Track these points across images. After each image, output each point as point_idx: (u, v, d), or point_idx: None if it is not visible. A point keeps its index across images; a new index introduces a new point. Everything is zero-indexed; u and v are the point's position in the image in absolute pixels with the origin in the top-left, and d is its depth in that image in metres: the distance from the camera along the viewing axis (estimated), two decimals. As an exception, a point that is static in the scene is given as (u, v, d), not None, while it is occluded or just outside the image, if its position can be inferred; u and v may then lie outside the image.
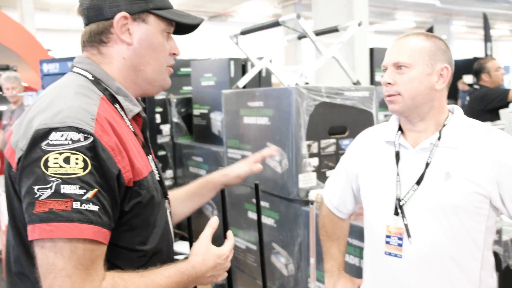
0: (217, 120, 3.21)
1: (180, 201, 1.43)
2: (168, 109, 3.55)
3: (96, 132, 0.91)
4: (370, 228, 1.43)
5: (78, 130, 0.89)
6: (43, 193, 0.84)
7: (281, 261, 2.42)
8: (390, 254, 1.34)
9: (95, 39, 1.06)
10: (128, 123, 1.06)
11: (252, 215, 2.65)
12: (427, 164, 1.31)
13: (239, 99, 2.65)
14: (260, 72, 3.19)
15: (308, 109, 2.22)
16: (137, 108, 1.09)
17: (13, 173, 0.93)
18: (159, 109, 3.49)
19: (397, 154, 1.37)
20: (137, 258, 1.02)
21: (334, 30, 2.62)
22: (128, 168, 0.96)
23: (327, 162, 2.30)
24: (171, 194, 1.45)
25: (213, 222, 1.12)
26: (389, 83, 1.34)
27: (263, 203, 2.54)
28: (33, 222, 0.85)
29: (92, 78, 1.05)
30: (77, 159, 0.87)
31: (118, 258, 0.98)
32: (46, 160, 0.86)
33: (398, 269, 1.32)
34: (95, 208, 0.87)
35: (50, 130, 0.88)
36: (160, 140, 3.51)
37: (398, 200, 1.33)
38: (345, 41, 2.45)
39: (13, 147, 0.94)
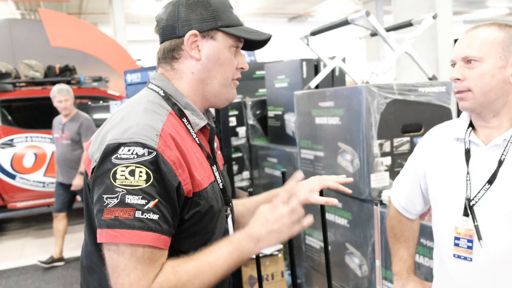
0: (291, 121, 3.23)
1: (251, 211, 1.47)
2: (243, 111, 3.64)
3: (159, 147, 1.00)
4: (438, 229, 1.38)
5: (143, 145, 0.98)
6: (110, 202, 0.95)
7: (355, 261, 2.39)
8: (459, 257, 1.28)
9: (168, 56, 1.16)
10: (195, 135, 1.14)
11: (326, 215, 2.63)
12: (500, 162, 1.23)
13: (310, 99, 2.66)
14: (333, 72, 3.17)
15: (379, 107, 2.17)
16: (203, 122, 1.16)
17: (89, 181, 1.04)
18: (234, 112, 3.58)
19: (467, 152, 1.31)
20: None
21: (408, 24, 2.53)
22: (188, 181, 1.04)
23: (401, 161, 2.23)
24: (243, 202, 1.51)
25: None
26: (458, 79, 1.28)
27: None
28: (101, 227, 0.96)
29: (163, 94, 1.14)
30: (141, 172, 0.96)
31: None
32: (115, 172, 0.96)
33: (467, 273, 1.26)
34: (155, 217, 0.96)
35: (120, 145, 0.99)
36: (236, 142, 3.60)
37: (468, 200, 1.26)
38: (418, 35, 2.35)
39: (90, 157, 1.06)
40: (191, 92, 1.16)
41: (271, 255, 2.95)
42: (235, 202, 1.54)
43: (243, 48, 1.22)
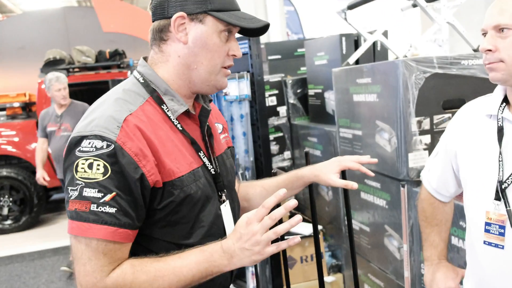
0: (331, 99, 3.13)
1: (270, 193, 1.42)
2: (284, 90, 3.58)
3: (119, 140, 0.98)
4: (468, 213, 1.28)
5: (102, 138, 0.97)
6: (72, 194, 0.97)
7: (393, 244, 2.30)
8: (490, 244, 1.18)
9: (157, 37, 1.12)
10: (176, 122, 1.11)
11: (365, 196, 2.55)
12: None
13: (348, 76, 2.56)
14: (374, 47, 3.03)
15: (418, 83, 2.05)
16: (182, 108, 1.11)
17: None
18: (274, 91, 3.53)
19: (500, 130, 1.20)
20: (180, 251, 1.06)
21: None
22: (153, 171, 1.01)
23: (442, 139, 2.10)
24: (262, 183, 1.47)
25: (291, 204, 0.99)
26: (489, 50, 1.16)
27: (374, 183, 2.44)
28: (68, 218, 0.99)
29: (142, 81, 1.12)
30: (98, 165, 0.96)
31: (162, 250, 1.05)
32: (77, 165, 0.97)
33: (499, 261, 1.17)
34: (112, 210, 0.96)
35: (82, 138, 0.99)
36: (277, 121, 3.56)
37: (500, 183, 1.16)
38: (460, 3, 2.18)
39: None
40: (177, 76, 1.12)
41: (311, 236, 2.91)
42: (254, 183, 1.50)
43: (243, 34, 1.16)
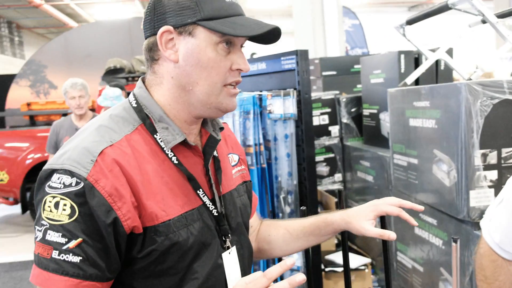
0: (386, 121, 2.89)
1: (294, 237, 1.27)
2: (337, 109, 3.37)
3: (91, 177, 0.84)
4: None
5: (72, 174, 0.84)
6: (38, 235, 0.84)
7: (449, 291, 2.02)
8: None
9: (148, 57, 0.98)
10: (171, 155, 0.95)
11: (419, 232, 2.29)
12: None
13: (404, 98, 2.32)
14: (437, 66, 2.75)
15: (483, 110, 1.78)
16: (177, 139, 0.95)
17: None
18: (326, 110, 3.33)
19: None
20: None
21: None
22: (130, 215, 0.86)
23: None
24: (286, 224, 1.29)
25: (288, 264, 0.85)
26: None
27: (430, 219, 2.17)
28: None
29: (135, 105, 0.98)
30: (65, 205, 0.83)
31: None
32: (44, 202, 0.84)
33: None
34: (76, 259, 0.82)
35: (52, 172, 0.86)
36: (328, 142, 3.35)
37: None
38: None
39: None
40: (173, 100, 0.96)
41: (357, 269, 2.67)
42: (277, 223, 1.32)
43: (253, 41, 0.98)
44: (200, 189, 0.98)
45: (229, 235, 1.03)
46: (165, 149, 0.94)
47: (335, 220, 1.22)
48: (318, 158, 3.32)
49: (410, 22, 2.38)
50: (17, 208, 6.57)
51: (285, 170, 2.57)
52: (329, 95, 3.35)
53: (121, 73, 6.13)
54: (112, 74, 6.12)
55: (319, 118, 3.34)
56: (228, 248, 1.02)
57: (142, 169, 0.90)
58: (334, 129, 3.37)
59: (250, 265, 1.14)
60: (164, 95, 0.97)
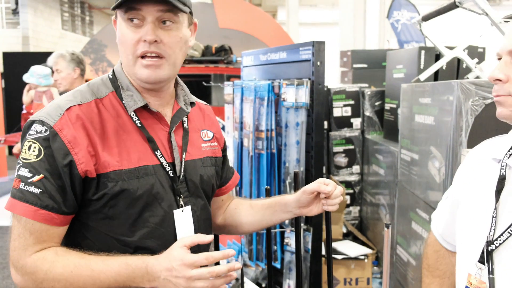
0: (403, 117, 2.89)
1: (254, 211, 1.39)
2: (360, 101, 3.39)
3: (56, 126, 1.03)
4: (456, 273, 1.09)
5: (43, 123, 1.03)
6: (16, 171, 1.04)
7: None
8: (467, 312, 0.99)
9: None
10: (135, 118, 1.11)
11: (415, 227, 2.31)
12: None
13: (413, 94, 2.34)
14: (459, 64, 2.72)
15: (475, 109, 1.79)
16: (139, 103, 1.11)
17: None
18: (350, 102, 3.37)
19: (502, 180, 0.99)
20: (120, 247, 1.06)
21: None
22: (84, 160, 1.03)
23: (498, 177, 1.81)
24: (253, 203, 1.41)
25: (205, 238, 1.03)
26: (499, 80, 0.98)
27: (424, 215, 2.20)
28: None
29: (111, 76, 1.16)
30: (34, 147, 1.02)
31: (102, 243, 1.06)
32: (24, 146, 1.05)
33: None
34: (37, 191, 1.00)
35: (32, 122, 1.06)
36: (349, 134, 3.39)
37: (488, 243, 0.96)
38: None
39: None
40: (126, 72, 1.14)
41: (357, 258, 2.73)
42: (244, 200, 1.45)
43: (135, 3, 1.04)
44: (158, 151, 1.13)
45: (183, 195, 1.16)
46: (129, 112, 1.11)
47: (288, 199, 1.32)
48: (337, 149, 3.37)
49: (425, 18, 2.38)
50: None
51: (294, 157, 2.66)
52: (354, 87, 3.38)
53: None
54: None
55: (341, 110, 3.39)
56: (182, 206, 1.15)
57: (103, 126, 1.07)
58: (356, 122, 3.40)
59: (207, 228, 1.26)
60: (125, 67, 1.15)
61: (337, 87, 3.43)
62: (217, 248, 1.77)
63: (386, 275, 1.28)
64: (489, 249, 0.95)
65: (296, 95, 2.59)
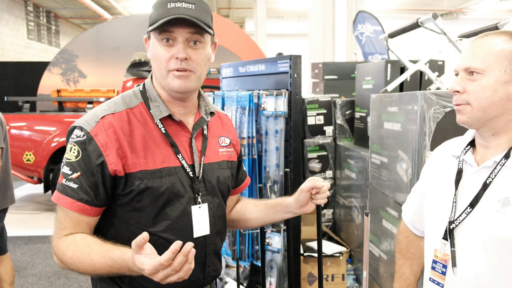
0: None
1: (258, 209, 1.57)
2: (332, 111, 3.63)
3: (93, 131, 1.22)
4: (425, 250, 1.31)
5: (81, 129, 1.23)
6: (61, 169, 1.25)
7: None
8: (433, 281, 1.21)
9: None
10: (160, 125, 1.28)
11: (385, 224, 2.55)
12: (486, 185, 1.13)
13: (381, 103, 2.58)
14: (422, 76, 3.00)
15: (436, 117, 2.04)
16: (163, 114, 1.29)
17: None
18: (322, 111, 3.60)
19: (459, 172, 1.22)
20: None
21: (493, 28, 2.29)
22: (114, 161, 1.21)
23: (457, 176, 2.07)
24: (257, 202, 1.59)
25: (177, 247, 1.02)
26: (457, 91, 1.20)
27: (393, 212, 2.43)
28: None
29: (142, 89, 1.35)
30: (74, 149, 1.22)
31: (129, 231, 1.24)
32: (66, 148, 1.25)
33: (437, 298, 1.18)
34: (75, 186, 1.20)
35: (74, 128, 1.26)
36: (322, 140, 3.62)
37: (450, 223, 1.18)
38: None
39: None
40: (156, 84, 1.32)
41: (332, 256, 2.94)
42: (249, 199, 1.63)
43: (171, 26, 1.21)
44: (180, 154, 1.30)
45: (201, 194, 1.33)
46: (155, 120, 1.29)
47: (288, 201, 1.51)
48: (312, 155, 3.60)
49: (391, 35, 2.64)
50: (39, 188, 7.03)
51: (273, 162, 2.86)
52: (326, 97, 3.62)
53: (145, 67, 6.50)
54: (136, 67, 6.50)
55: (315, 118, 3.62)
56: (199, 203, 1.32)
57: (132, 133, 1.25)
58: (329, 129, 3.64)
59: (223, 224, 1.43)
60: (154, 81, 1.34)
61: (310, 97, 3.65)
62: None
63: (366, 255, 1.49)
64: (451, 228, 1.17)
65: (275, 104, 2.80)
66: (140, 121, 1.28)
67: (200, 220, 1.32)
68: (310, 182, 1.43)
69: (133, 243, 1.01)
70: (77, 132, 1.23)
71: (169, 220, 1.26)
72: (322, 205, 1.49)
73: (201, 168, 1.34)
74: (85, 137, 1.21)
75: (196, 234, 1.31)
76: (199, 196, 1.32)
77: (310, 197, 1.47)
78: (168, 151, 1.28)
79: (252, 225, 1.61)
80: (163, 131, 1.29)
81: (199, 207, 1.32)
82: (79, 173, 1.19)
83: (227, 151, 1.47)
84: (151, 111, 1.29)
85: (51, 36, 18.91)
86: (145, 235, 1.01)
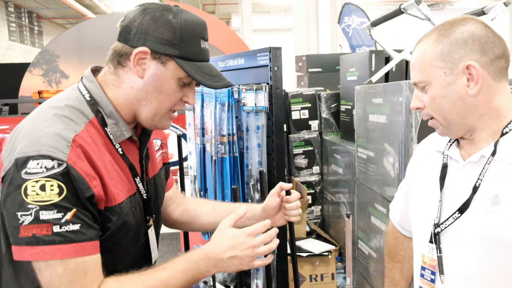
0: (358, 117, 3.03)
1: (218, 215, 1.42)
2: (317, 104, 3.52)
3: (70, 159, 0.96)
4: (414, 254, 1.20)
5: (52, 158, 0.94)
6: (25, 219, 0.92)
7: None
8: (422, 289, 1.09)
9: (115, 59, 1.10)
10: (117, 146, 1.09)
11: (374, 221, 2.44)
12: (475, 188, 1.02)
13: (366, 95, 2.47)
14: (407, 65, 2.89)
15: (422, 107, 1.93)
16: (126, 134, 1.11)
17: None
18: (307, 105, 3.49)
19: (444, 168, 1.11)
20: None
21: (480, 13, 2.19)
22: (100, 194, 1.00)
23: (447, 169, 1.96)
24: (213, 203, 1.49)
25: (240, 211, 1.11)
26: (418, 108, 1.10)
27: (381, 208, 2.33)
28: (19, 244, 0.92)
29: (89, 99, 1.08)
30: (52, 185, 0.93)
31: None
32: (26, 188, 0.92)
33: (427, 308, 1.07)
34: (76, 227, 0.94)
35: (28, 159, 0.94)
36: (308, 135, 3.51)
37: (435, 225, 1.07)
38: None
39: (2, 160, 1.03)
40: (124, 104, 1.10)
41: (321, 255, 2.83)
42: (204, 200, 1.50)
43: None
44: (138, 177, 1.14)
45: (153, 215, 1.19)
46: (113, 141, 1.09)
47: (254, 208, 1.40)
48: (297, 150, 3.48)
49: (374, 24, 2.52)
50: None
51: (256, 159, 2.73)
52: (310, 91, 3.50)
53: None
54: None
55: (299, 113, 3.50)
56: (150, 226, 1.18)
57: (100, 157, 1.03)
58: (314, 124, 3.52)
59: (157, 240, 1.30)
60: (117, 97, 1.11)
61: (294, 91, 3.54)
62: (187, 248, 1.82)
63: (349, 260, 1.38)
64: (436, 231, 1.06)
65: (255, 99, 2.68)
66: (100, 142, 1.05)
67: (152, 240, 1.19)
68: (277, 185, 1.32)
69: (233, 215, 1.09)
70: (43, 163, 0.93)
71: (131, 254, 1.12)
72: (295, 222, 1.39)
73: (151, 186, 1.20)
74: (63, 166, 0.94)
75: (153, 260, 1.19)
76: (151, 219, 1.18)
77: (279, 206, 1.36)
78: (128, 176, 1.11)
79: (208, 229, 1.48)
80: (120, 152, 1.10)
81: (151, 230, 1.18)
82: (74, 210, 0.94)
83: (161, 154, 1.35)
84: (107, 128, 1.08)
85: (34, 37, 18.59)
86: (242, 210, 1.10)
